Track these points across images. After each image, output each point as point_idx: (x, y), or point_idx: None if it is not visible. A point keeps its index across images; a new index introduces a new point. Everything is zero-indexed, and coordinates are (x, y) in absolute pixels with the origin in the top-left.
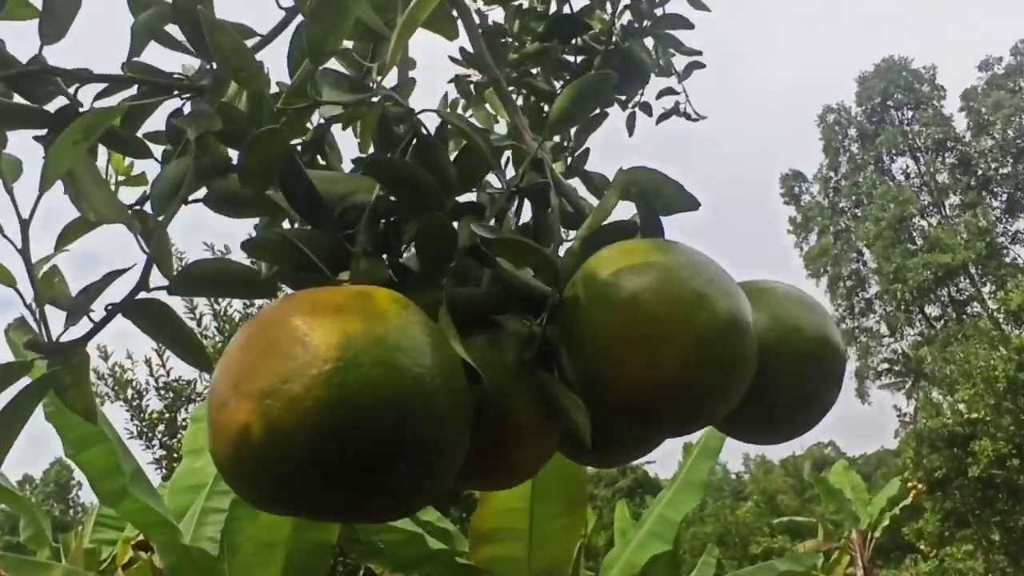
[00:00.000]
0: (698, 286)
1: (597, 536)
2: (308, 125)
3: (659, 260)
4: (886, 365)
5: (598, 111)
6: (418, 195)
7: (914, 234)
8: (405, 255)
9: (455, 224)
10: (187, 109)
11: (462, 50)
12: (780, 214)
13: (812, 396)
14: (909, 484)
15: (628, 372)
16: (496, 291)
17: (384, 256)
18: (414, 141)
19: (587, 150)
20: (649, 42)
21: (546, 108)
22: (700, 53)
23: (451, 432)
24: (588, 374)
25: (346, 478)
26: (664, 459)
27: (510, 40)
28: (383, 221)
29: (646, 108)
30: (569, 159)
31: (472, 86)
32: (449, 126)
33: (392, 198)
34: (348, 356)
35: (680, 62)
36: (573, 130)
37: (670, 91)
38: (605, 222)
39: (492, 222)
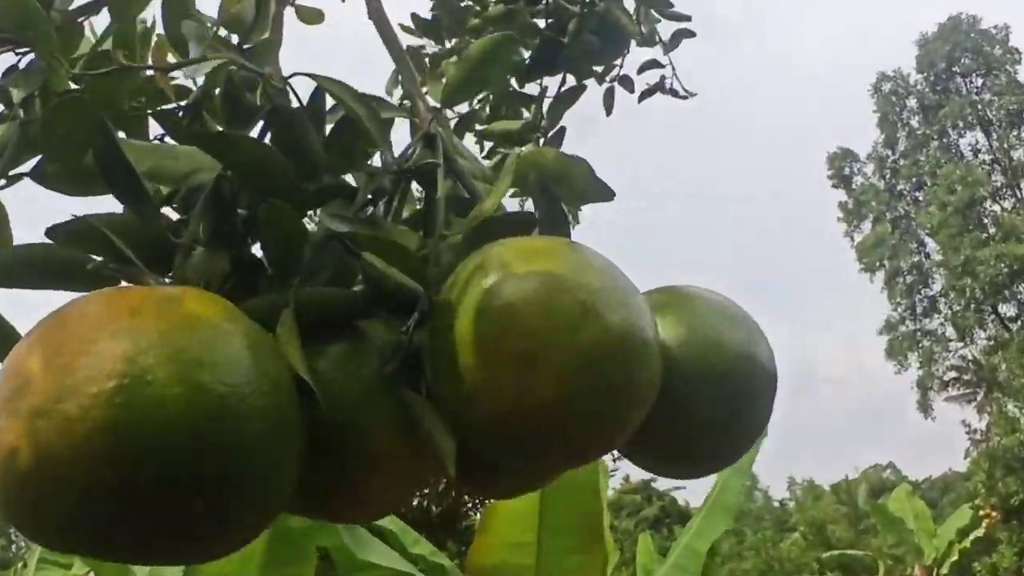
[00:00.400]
0: (586, 297)
1: (619, 574)
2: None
3: (545, 265)
4: (953, 374)
5: (575, 84)
6: (263, 177)
7: (986, 221)
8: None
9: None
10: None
11: (414, 16)
12: (829, 200)
13: (733, 422)
14: (981, 512)
15: (498, 395)
16: (362, 291)
17: (230, 249)
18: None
19: (563, 129)
20: (631, 5)
21: (513, 80)
22: (689, 19)
23: (267, 465)
24: (455, 394)
25: (130, 516)
26: (696, 483)
27: (471, 3)
28: (230, 206)
29: (627, 83)
30: (542, 140)
31: (427, 59)
32: (327, 94)
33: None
34: (135, 371)
35: (667, 30)
36: (545, 107)
37: (655, 64)
38: (498, 213)
39: (370, 209)
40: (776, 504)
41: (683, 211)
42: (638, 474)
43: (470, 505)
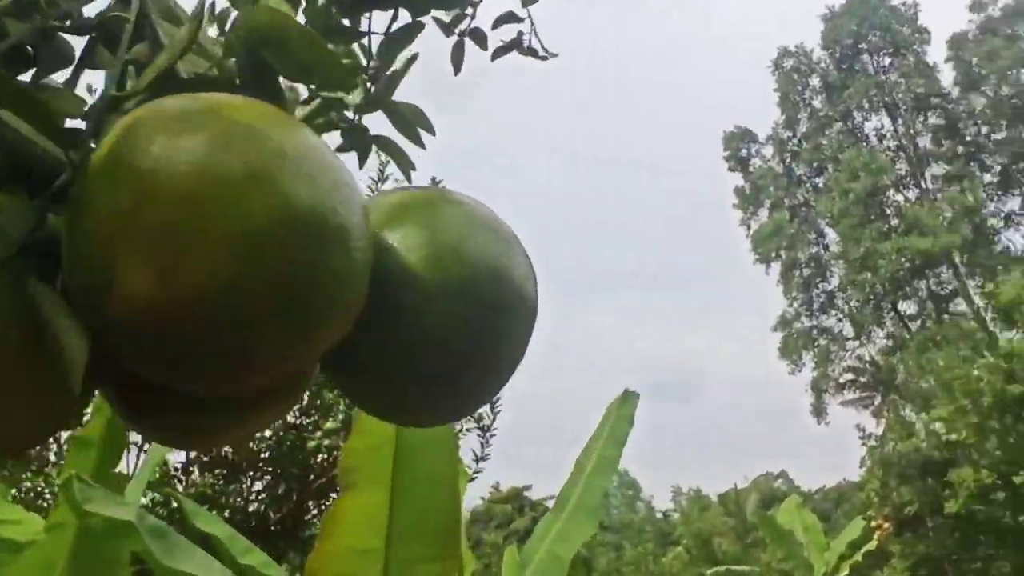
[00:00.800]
0: (259, 159)
1: None
2: None
3: (212, 120)
4: (850, 376)
5: (410, 22)
6: None
7: (888, 212)
8: None
9: None
10: None
11: None
12: (725, 183)
13: (471, 345)
14: (874, 523)
15: (132, 285)
16: None
17: None
18: None
19: (396, 73)
20: None
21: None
22: None
23: None
24: (89, 285)
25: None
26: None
27: None
28: None
29: (478, 37)
30: (371, 85)
31: None
32: None
33: None
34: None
35: None
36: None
37: (512, 17)
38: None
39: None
40: (660, 516)
41: (592, 176)
42: (509, 481)
43: (315, 512)
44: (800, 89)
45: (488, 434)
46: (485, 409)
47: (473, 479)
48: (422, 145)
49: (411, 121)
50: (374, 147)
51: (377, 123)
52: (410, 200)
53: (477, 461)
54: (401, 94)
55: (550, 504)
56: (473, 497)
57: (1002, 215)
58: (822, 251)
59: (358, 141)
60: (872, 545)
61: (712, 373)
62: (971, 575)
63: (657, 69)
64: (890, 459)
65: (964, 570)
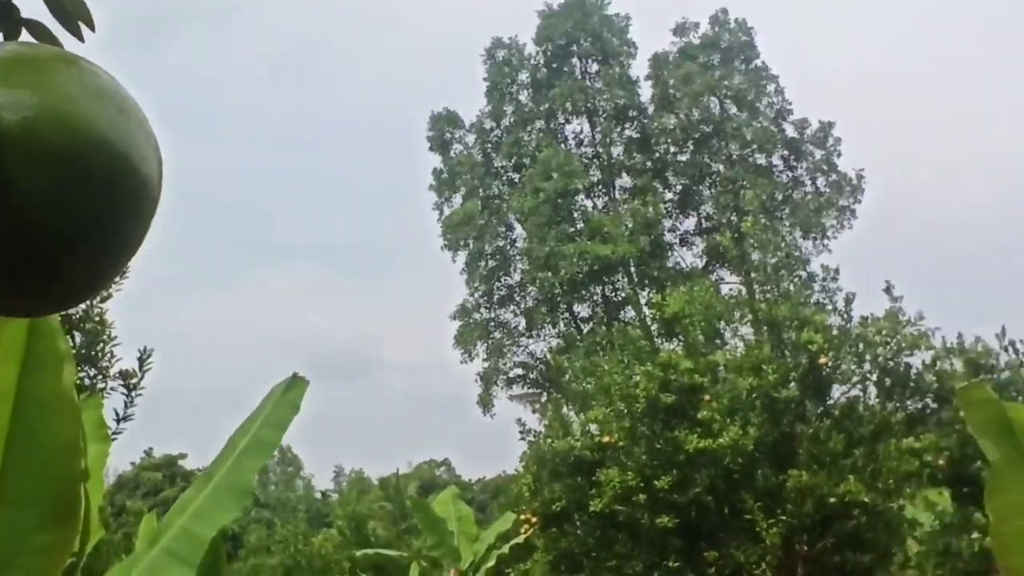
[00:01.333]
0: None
1: (115, 559)
2: None
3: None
4: (520, 371)
5: None
6: None
7: (575, 215)
8: None
9: None
10: None
11: None
12: (426, 165)
13: (78, 223)
14: (523, 517)
15: None
16: None
17: None
18: None
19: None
20: None
21: None
22: None
23: None
24: None
25: None
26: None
27: None
28: None
29: None
30: None
31: None
32: None
33: None
34: None
35: None
36: None
37: None
38: None
39: None
40: (318, 495)
41: (285, 143)
42: (164, 448)
43: None
44: (509, 82)
45: (134, 393)
46: (132, 365)
47: (114, 439)
48: (81, 38)
49: (71, 10)
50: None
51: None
52: (22, 57)
53: (118, 421)
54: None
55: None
56: (123, 462)
57: (678, 233)
58: (509, 246)
59: (5, 21)
60: (520, 538)
61: (387, 356)
62: (606, 572)
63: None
64: (545, 456)
65: (601, 567)
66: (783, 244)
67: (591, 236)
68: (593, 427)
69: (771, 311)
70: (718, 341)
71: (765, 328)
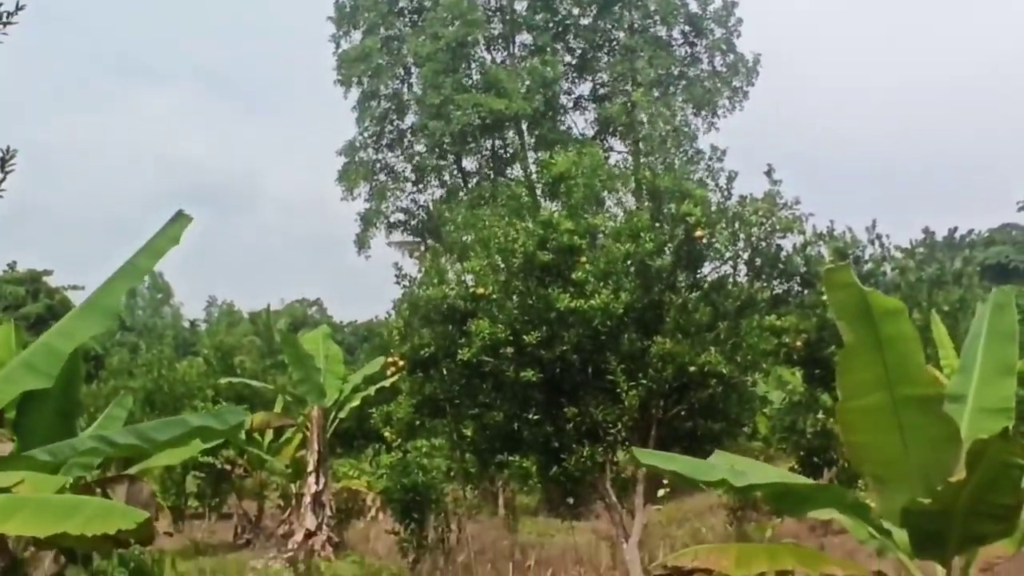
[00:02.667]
0: None
1: None
2: None
3: None
4: (401, 216)
5: None
6: None
7: (473, 66)
8: None
9: None
10: None
11: None
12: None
13: None
14: (389, 359)
15: None
16: None
17: None
18: None
19: None
20: None
21: None
22: None
23: None
24: None
25: None
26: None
27: None
28: None
29: None
30: None
31: None
32: None
33: None
34: None
35: None
36: None
37: None
38: None
39: None
40: (187, 324)
41: None
42: (29, 263)
43: None
44: None
45: None
46: None
47: None
48: None
49: None
50: None
51: None
52: None
53: None
54: None
55: (69, 294)
56: None
57: (573, 96)
58: (405, 89)
59: None
60: (387, 382)
61: (267, 189)
62: (467, 419)
63: None
64: (418, 302)
65: (462, 414)
66: (674, 118)
67: (487, 88)
68: (469, 278)
69: (654, 180)
70: (599, 208)
71: (647, 197)
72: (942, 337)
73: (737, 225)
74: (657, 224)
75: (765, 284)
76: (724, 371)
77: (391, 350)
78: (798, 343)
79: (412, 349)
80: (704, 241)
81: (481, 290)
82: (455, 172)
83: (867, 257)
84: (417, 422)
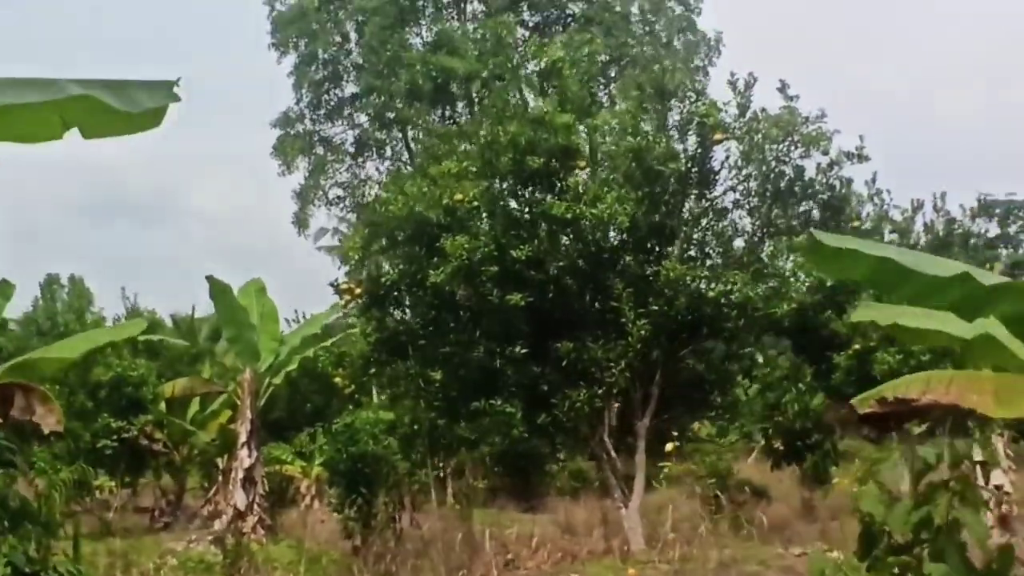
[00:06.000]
0: None
1: None
2: None
3: None
4: (340, 192)
5: None
6: None
7: (423, 24)
8: None
9: None
10: None
11: None
12: None
13: None
14: (343, 286)
15: None
16: None
17: None
18: None
19: None
20: None
21: None
22: None
23: None
24: None
25: None
26: None
27: None
28: None
29: None
30: None
31: None
32: None
33: None
34: None
35: None
36: None
37: None
38: None
39: None
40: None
41: None
42: None
43: None
44: None
45: None
46: None
47: None
48: None
49: None
50: None
51: None
52: None
53: None
54: None
55: None
56: None
57: (527, 71)
58: (343, 56)
59: None
60: (328, 342)
61: (193, 173)
62: (436, 361)
63: None
64: (379, 222)
65: (430, 355)
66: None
67: (437, 47)
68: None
69: (663, 77)
70: (597, 109)
71: (654, 98)
72: None
73: (758, 138)
74: (664, 128)
75: (781, 211)
76: (751, 295)
77: (346, 276)
78: None
79: (370, 280)
80: (723, 145)
81: (460, 196)
82: (399, 147)
83: (865, 216)
84: (374, 366)
